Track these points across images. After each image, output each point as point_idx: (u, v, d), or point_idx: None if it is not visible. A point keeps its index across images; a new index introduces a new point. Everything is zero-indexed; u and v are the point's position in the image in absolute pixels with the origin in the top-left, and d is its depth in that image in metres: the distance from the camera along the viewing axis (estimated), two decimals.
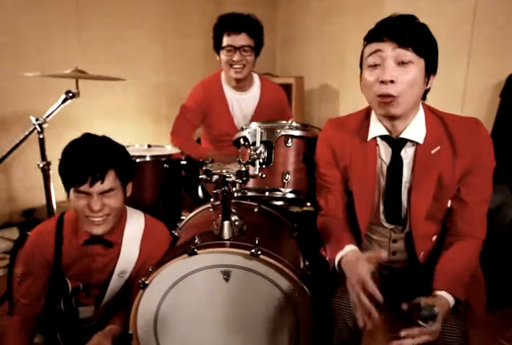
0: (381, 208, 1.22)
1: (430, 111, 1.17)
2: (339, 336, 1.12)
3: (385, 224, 1.23)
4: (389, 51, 1.03)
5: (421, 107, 1.15)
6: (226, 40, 1.89)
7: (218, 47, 1.95)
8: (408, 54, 1.02)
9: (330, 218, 1.30)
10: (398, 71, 1.03)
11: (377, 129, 1.17)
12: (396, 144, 1.15)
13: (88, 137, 1.23)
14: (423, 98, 1.15)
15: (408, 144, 1.14)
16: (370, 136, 1.18)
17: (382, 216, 1.23)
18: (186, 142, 2.12)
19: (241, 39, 1.88)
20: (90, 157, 1.16)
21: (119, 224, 1.32)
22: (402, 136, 1.13)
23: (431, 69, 1.08)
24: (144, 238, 1.35)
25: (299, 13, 3.63)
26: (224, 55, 1.93)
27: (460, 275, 1.08)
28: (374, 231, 1.28)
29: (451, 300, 1.03)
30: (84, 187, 1.14)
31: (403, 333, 0.94)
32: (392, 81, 1.03)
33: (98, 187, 1.15)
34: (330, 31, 3.32)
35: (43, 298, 1.31)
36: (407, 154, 1.15)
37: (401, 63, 1.03)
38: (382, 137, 1.17)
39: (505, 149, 2.05)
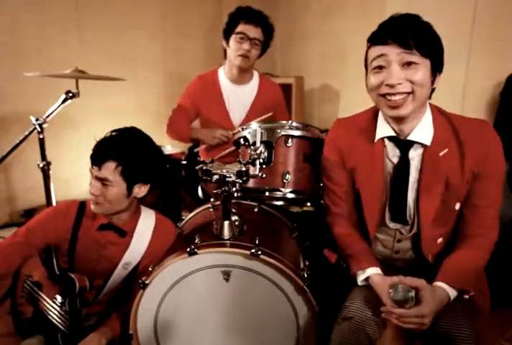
0: (387, 208, 1.22)
1: (438, 112, 1.16)
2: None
3: (390, 225, 1.23)
4: (394, 55, 1.02)
5: (428, 108, 1.15)
6: (241, 27, 1.89)
7: (229, 32, 1.94)
8: (413, 57, 1.02)
9: (341, 220, 1.29)
10: (404, 73, 1.03)
11: (384, 129, 1.16)
12: (404, 145, 1.15)
13: (122, 130, 1.32)
14: (429, 97, 1.14)
15: (416, 145, 1.13)
16: (377, 136, 1.17)
17: (387, 216, 1.22)
18: (177, 129, 2.11)
19: (256, 32, 1.90)
20: (104, 145, 1.27)
21: (133, 217, 1.39)
22: (409, 138, 1.13)
23: (436, 68, 1.07)
24: (155, 233, 1.40)
25: (299, 13, 3.62)
26: (234, 42, 1.92)
27: (465, 270, 1.09)
28: (380, 230, 1.27)
29: (451, 291, 1.05)
30: (91, 168, 1.27)
31: (382, 308, 1.01)
32: (400, 84, 1.03)
33: (96, 171, 1.26)
34: (330, 31, 3.32)
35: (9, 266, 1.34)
36: (415, 155, 1.15)
37: (406, 65, 1.02)
38: (390, 138, 1.16)
39: (505, 149, 2.05)
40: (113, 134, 1.30)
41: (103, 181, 1.25)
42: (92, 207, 1.30)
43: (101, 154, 1.25)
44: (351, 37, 3.10)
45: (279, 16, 3.71)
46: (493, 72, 2.24)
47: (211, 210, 1.58)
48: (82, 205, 1.38)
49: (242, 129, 1.54)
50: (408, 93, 1.04)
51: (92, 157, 1.26)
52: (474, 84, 2.36)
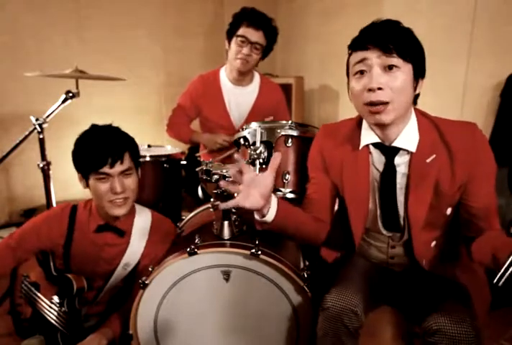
0: (379, 215, 1.21)
1: (423, 117, 1.14)
2: (334, 336, 1.09)
3: (384, 232, 1.22)
4: (374, 58, 1.02)
5: (413, 113, 1.13)
6: (243, 30, 1.89)
7: (231, 33, 1.94)
8: (394, 60, 1.01)
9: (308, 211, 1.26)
10: (385, 78, 1.02)
11: (369, 136, 1.15)
12: (389, 151, 1.13)
13: (98, 126, 1.34)
14: (414, 102, 1.12)
15: (402, 152, 1.12)
16: (362, 143, 1.16)
17: (380, 224, 1.22)
18: (178, 130, 2.14)
19: (258, 36, 1.89)
20: (108, 141, 1.27)
21: (129, 216, 1.38)
22: (394, 144, 1.11)
23: (418, 73, 1.06)
24: (152, 232, 1.40)
25: (299, 13, 3.62)
26: (234, 44, 1.92)
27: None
28: (373, 237, 1.27)
29: None
30: (105, 169, 1.24)
31: None
32: (380, 88, 1.01)
33: (119, 167, 1.26)
34: (330, 31, 3.32)
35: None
36: (401, 162, 1.13)
37: (387, 68, 1.02)
38: (375, 145, 1.15)
39: (506, 149, 2.05)
40: (100, 133, 1.32)
41: (124, 172, 1.28)
42: (116, 210, 1.29)
43: (119, 149, 1.27)
44: (350, 37, 3.10)
45: (279, 16, 3.70)
46: (493, 73, 2.24)
47: (211, 210, 1.59)
48: (74, 209, 1.38)
49: (242, 129, 1.54)
50: (387, 103, 1.02)
51: (107, 156, 1.24)
52: (474, 84, 2.36)
